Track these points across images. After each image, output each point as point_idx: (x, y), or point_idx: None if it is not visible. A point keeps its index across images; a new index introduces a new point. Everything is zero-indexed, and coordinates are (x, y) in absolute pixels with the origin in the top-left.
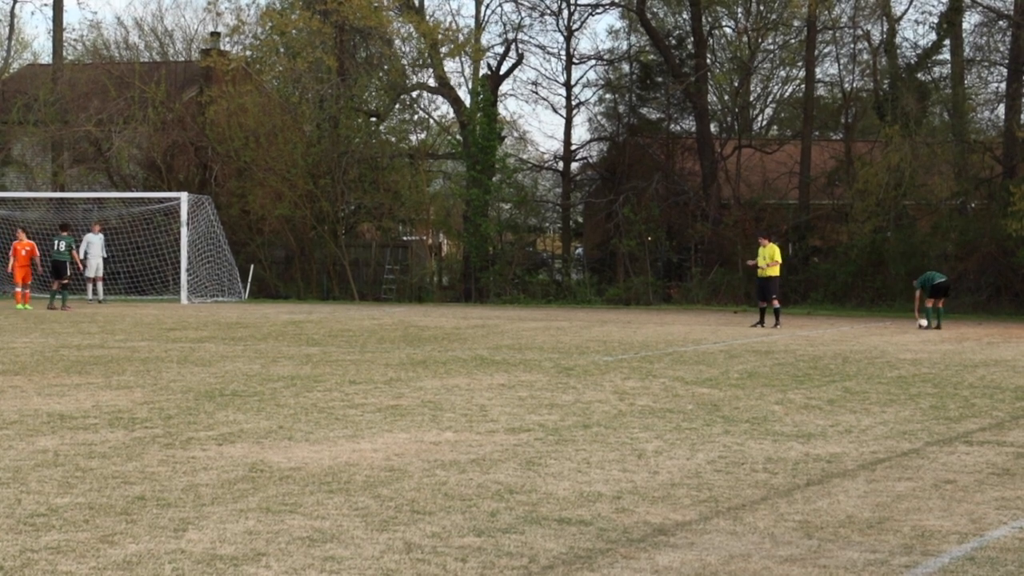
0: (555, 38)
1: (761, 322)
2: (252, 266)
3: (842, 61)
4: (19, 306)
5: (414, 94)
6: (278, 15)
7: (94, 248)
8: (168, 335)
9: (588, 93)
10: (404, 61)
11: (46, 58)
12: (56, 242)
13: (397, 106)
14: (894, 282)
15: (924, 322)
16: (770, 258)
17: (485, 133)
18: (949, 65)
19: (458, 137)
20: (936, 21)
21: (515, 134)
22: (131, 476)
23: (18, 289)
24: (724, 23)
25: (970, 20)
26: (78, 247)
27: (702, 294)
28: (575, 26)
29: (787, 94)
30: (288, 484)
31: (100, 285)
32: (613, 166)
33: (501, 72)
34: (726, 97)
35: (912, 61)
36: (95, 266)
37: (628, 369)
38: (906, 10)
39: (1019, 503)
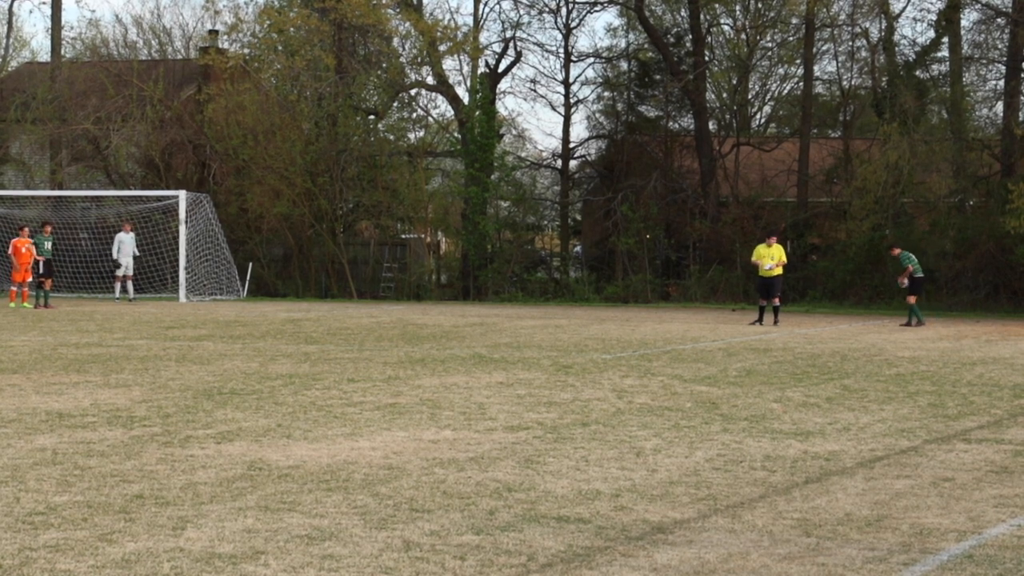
0: (553, 36)
1: (760, 320)
2: (250, 264)
3: (840, 59)
4: (12, 304)
5: (412, 92)
6: (276, 13)
7: (125, 247)
8: (166, 333)
9: (586, 91)
10: (403, 59)
11: (44, 56)
12: (43, 241)
13: (395, 104)
14: (892, 280)
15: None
16: (778, 258)
17: (484, 131)
18: (947, 63)
19: (456, 135)
20: (934, 19)
21: (513, 132)
22: (130, 474)
23: (14, 288)
24: (722, 21)
25: (968, 18)
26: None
27: (700, 292)
28: (573, 24)
29: (785, 92)
30: (287, 482)
31: (130, 284)
32: (611, 164)
33: (499, 70)
34: (724, 95)
35: (910, 59)
36: (126, 265)
37: (626, 367)
38: (904, 7)
39: (1017, 501)
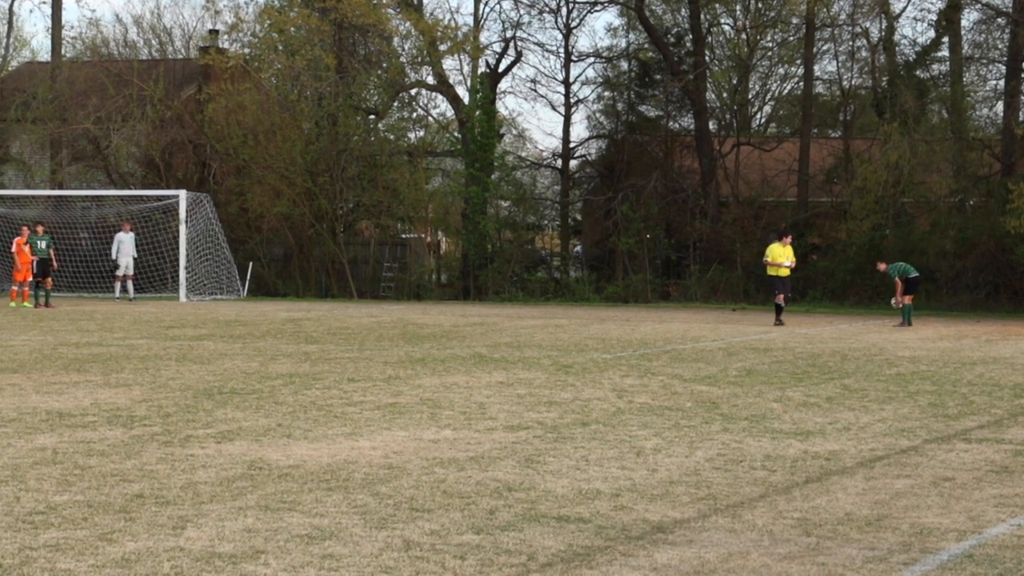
0: (554, 36)
1: (779, 318)
2: (251, 264)
3: (841, 59)
4: (13, 304)
5: (413, 92)
6: (276, 13)
7: (125, 247)
8: (167, 333)
9: (587, 91)
10: (403, 59)
11: (45, 56)
12: (37, 241)
13: (396, 104)
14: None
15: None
16: (792, 258)
17: (484, 131)
18: (948, 62)
19: (457, 135)
20: (935, 18)
21: (514, 132)
22: (130, 474)
23: (14, 288)
24: (723, 21)
25: (969, 17)
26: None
27: (701, 292)
28: (574, 24)
29: (786, 92)
30: (287, 482)
31: (131, 284)
32: (612, 164)
33: (500, 70)
34: (725, 95)
35: (911, 59)
36: (125, 264)
37: (627, 367)
38: (905, 7)
39: (1017, 500)
